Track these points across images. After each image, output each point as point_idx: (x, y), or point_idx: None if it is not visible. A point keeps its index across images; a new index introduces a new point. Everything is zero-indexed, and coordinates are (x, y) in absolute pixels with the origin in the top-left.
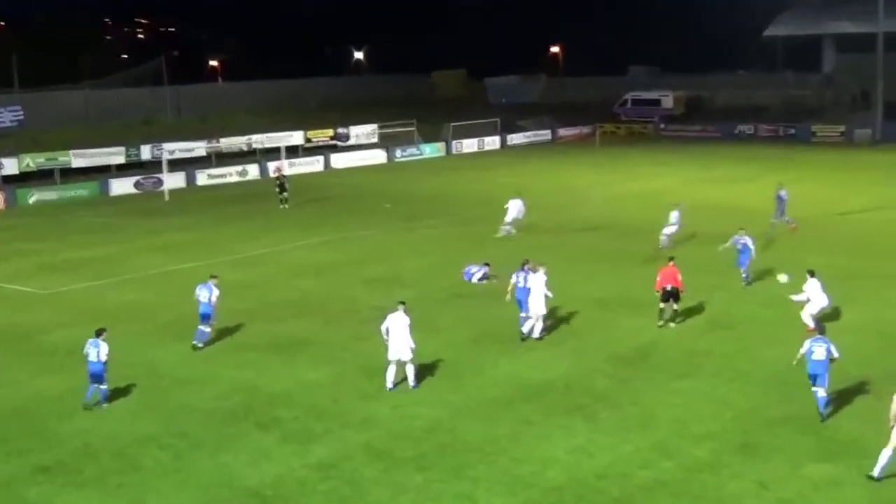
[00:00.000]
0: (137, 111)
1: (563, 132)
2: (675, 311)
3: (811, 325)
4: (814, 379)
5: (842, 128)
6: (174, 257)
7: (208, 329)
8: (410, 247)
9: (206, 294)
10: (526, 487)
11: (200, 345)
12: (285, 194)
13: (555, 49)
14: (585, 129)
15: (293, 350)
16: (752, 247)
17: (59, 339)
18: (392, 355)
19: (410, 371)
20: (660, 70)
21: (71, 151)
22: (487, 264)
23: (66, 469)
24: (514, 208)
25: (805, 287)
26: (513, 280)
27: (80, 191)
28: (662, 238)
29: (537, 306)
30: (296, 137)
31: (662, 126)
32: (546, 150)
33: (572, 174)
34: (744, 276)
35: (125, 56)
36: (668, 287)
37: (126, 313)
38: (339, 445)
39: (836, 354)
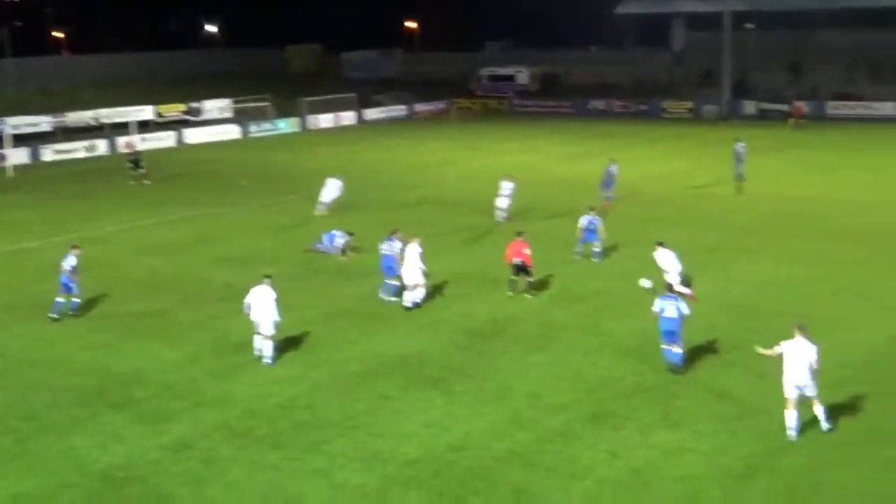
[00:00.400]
0: None
1: (419, 108)
2: (529, 283)
3: (688, 292)
4: (668, 336)
5: (690, 104)
6: (17, 236)
7: (63, 300)
8: (265, 224)
9: (65, 265)
10: (383, 462)
11: (55, 315)
12: (141, 170)
13: (411, 24)
14: (442, 105)
15: (146, 329)
16: (600, 226)
17: None
18: (257, 328)
19: (270, 346)
20: (514, 46)
21: None
22: (351, 234)
23: None
24: (333, 187)
25: (655, 256)
26: (380, 249)
27: None
28: (498, 212)
29: (411, 276)
30: (147, 112)
31: (517, 102)
32: (403, 125)
33: (429, 150)
34: (595, 251)
35: None
36: (517, 261)
37: None
38: (194, 425)
39: (686, 312)
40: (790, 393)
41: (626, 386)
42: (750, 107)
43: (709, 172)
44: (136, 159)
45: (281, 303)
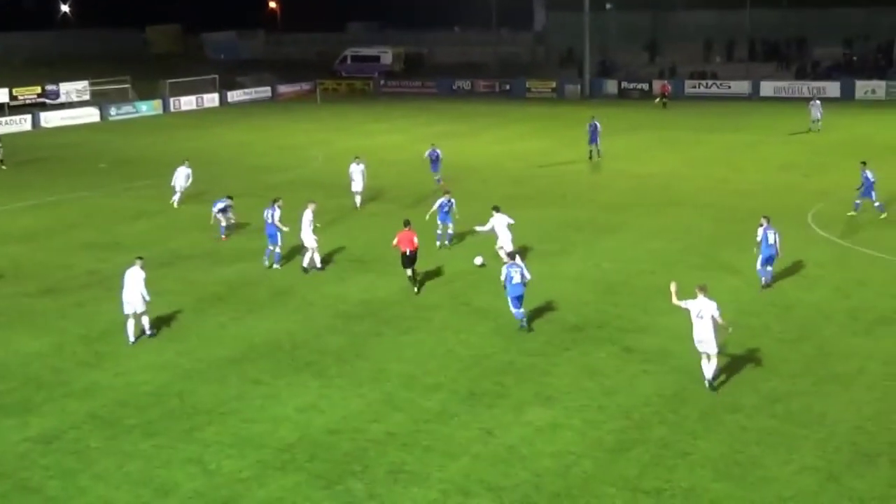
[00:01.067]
0: None
1: (283, 89)
2: (414, 272)
3: (504, 257)
4: (517, 301)
5: (553, 83)
6: None
7: None
8: (128, 209)
9: None
10: (257, 448)
11: None
12: None
13: (272, 4)
14: (306, 86)
15: (7, 320)
16: (454, 207)
17: None
18: (127, 309)
19: (146, 321)
20: (378, 26)
21: None
22: (230, 198)
23: None
24: (181, 175)
25: (491, 221)
26: (264, 216)
27: None
28: (357, 198)
29: (308, 240)
30: (1, 95)
31: (382, 83)
32: (267, 107)
33: (294, 132)
34: (449, 233)
35: None
36: (408, 251)
37: None
38: (61, 416)
39: (528, 276)
40: (699, 347)
41: (498, 364)
42: (611, 86)
43: (572, 150)
44: None
45: (150, 289)
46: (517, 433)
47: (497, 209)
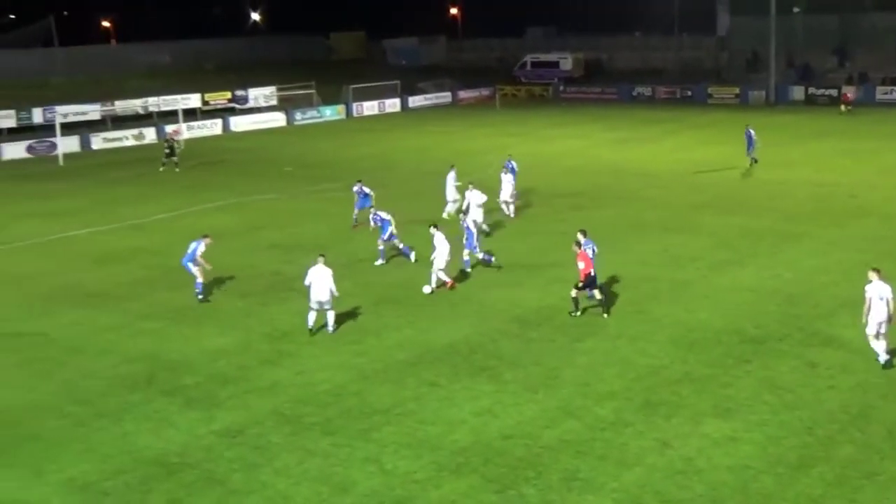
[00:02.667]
0: (27, 74)
1: (463, 94)
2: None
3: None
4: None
5: (737, 90)
6: (65, 224)
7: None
8: (311, 211)
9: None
10: (432, 449)
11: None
12: (174, 158)
13: (454, 10)
14: (485, 92)
15: (194, 317)
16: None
17: None
18: (315, 305)
19: (331, 317)
20: (556, 31)
21: None
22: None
23: None
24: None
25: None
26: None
27: None
28: (504, 206)
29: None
30: (193, 100)
31: (562, 88)
32: (447, 112)
33: (473, 137)
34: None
35: (12, 17)
36: (592, 272)
37: (12, 280)
38: (244, 411)
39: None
40: (871, 329)
41: (674, 374)
42: (798, 92)
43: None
44: (171, 146)
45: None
46: (694, 445)
47: (435, 227)
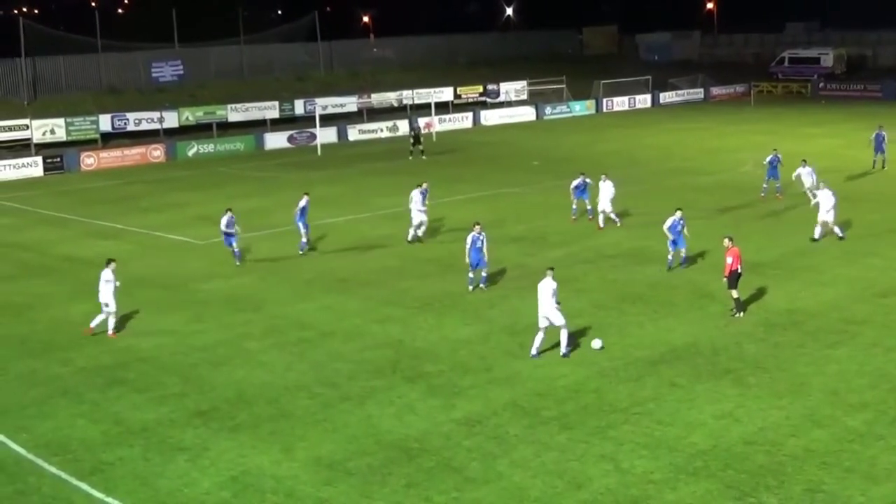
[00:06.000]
0: (290, 67)
1: (716, 91)
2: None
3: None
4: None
5: None
6: (325, 211)
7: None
8: (557, 206)
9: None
10: (670, 451)
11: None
12: (420, 146)
13: (710, 5)
14: (740, 89)
15: (439, 306)
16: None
17: (214, 288)
18: (541, 322)
19: (564, 336)
20: (818, 26)
21: (228, 106)
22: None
23: (221, 414)
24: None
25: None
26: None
27: (236, 144)
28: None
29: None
30: (446, 94)
31: (821, 85)
32: (698, 109)
33: (724, 134)
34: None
35: (279, 12)
36: (738, 269)
37: (275, 266)
38: (484, 402)
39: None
40: None
41: None
42: None
43: None
44: (416, 135)
45: (573, 286)
46: None
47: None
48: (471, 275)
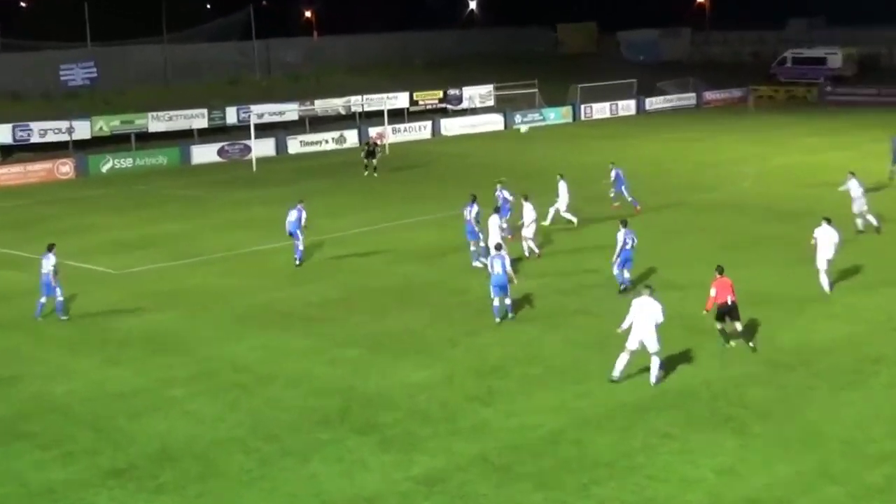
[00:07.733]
0: (222, 69)
1: (709, 96)
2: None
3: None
4: (497, 290)
5: None
6: (259, 236)
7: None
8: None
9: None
10: None
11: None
12: (374, 161)
13: None
14: (737, 93)
15: (395, 346)
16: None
17: (132, 326)
18: (631, 344)
19: (655, 363)
20: (825, 22)
21: (149, 114)
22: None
23: (140, 473)
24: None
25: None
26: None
27: (158, 158)
28: (860, 221)
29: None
30: (401, 100)
31: (828, 89)
32: (690, 116)
33: (720, 146)
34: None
35: (208, 7)
36: (728, 300)
37: (204, 298)
38: (447, 456)
39: (509, 269)
40: None
41: None
42: None
43: None
44: (371, 150)
45: (549, 322)
46: None
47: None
48: (496, 302)
